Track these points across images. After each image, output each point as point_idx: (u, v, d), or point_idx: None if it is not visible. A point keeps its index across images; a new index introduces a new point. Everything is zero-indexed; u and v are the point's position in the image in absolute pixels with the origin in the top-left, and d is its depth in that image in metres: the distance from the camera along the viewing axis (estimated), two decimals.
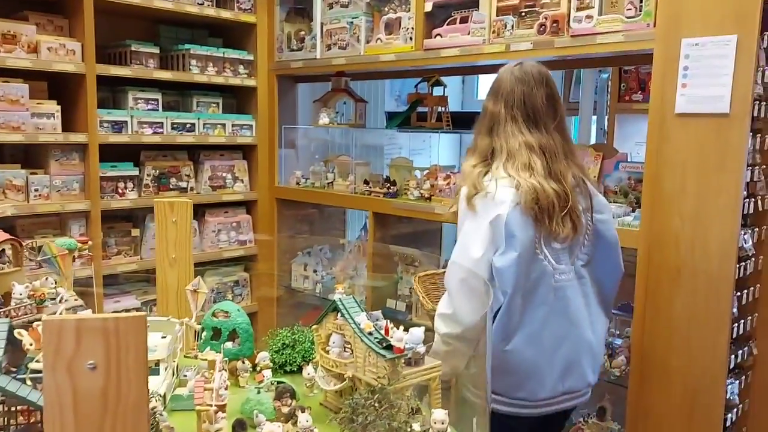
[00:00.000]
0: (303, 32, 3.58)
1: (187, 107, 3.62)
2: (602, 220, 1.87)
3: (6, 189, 2.87)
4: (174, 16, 3.47)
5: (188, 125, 3.48)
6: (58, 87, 3.10)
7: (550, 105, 1.85)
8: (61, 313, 1.57)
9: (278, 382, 1.62)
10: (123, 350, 0.68)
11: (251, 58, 3.71)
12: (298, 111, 4.17)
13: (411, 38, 2.97)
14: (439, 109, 3.22)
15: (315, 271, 3.82)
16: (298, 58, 3.56)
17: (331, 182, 3.65)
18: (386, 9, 3.14)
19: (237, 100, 3.88)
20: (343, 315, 1.55)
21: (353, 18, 3.22)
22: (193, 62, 3.46)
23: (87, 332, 0.67)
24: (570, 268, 1.82)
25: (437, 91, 3.30)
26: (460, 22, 2.78)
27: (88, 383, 0.68)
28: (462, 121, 3.31)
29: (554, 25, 2.47)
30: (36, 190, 2.96)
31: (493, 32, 2.65)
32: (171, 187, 3.48)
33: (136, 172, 3.32)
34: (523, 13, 2.57)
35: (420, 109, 3.32)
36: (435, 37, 2.88)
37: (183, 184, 3.53)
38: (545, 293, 1.77)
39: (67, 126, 3.06)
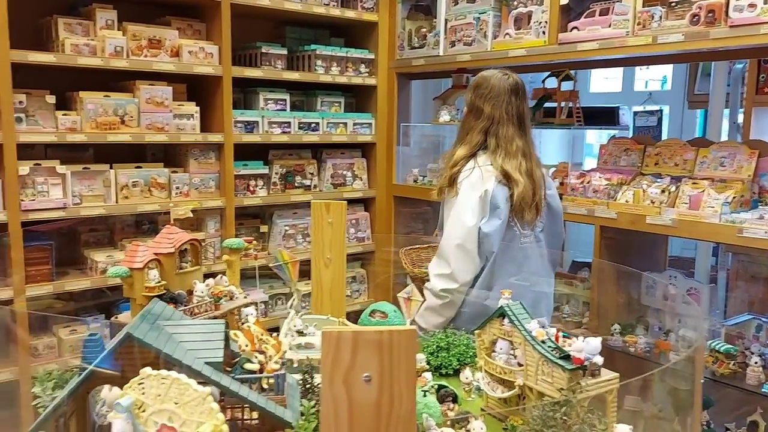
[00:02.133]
0: (425, 29, 3.57)
1: (312, 107, 3.69)
2: (551, 194, 2.37)
3: (151, 187, 3.03)
4: (300, 17, 3.55)
5: (313, 124, 3.55)
6: (195, 89, 3.24)
7: (528, 115, 2.31)
8: (241, 311, 1.63)
9: (440, 386, 1.61)
10: (396, 363, 0.68)
11: (372, 56, 3.73)
12: (411, 108, 4.17)
13: (544, 32, 2.88)
14: (569, 104, 3.11)
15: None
16: (420, 56, 3.55)
17: None
18: (515, 3, 3.06)
19: (357, 99, 3.92)
20: (511, 321, 1.52)
21: (480, 13, 3.17)
22: (319, 62, 3.52)
23: (363, 344, 0.68)
24: (531, 233, 2.28)
25: (566, 86, 3.20)
26: (599, 15, 2.67)
27: (363, 395, 0.68)
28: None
29: (710, 14, 2.32)
30: (177, 188, 3.11)
31: (638, 24, 2.52)
32: (296, 185, 3.57)
33: (265, 171, 3.42)
34: (673, 3, 2.43)
35: (546, 104, 3.23)
36: (571, 30, 2.78)
37: (307, 182, 3.61)
38: (514, 253, 2.22)
39: (204, 126, 3.19)
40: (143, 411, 0.86)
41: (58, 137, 2.73)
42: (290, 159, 3.58)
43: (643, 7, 2.51)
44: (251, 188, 3.39)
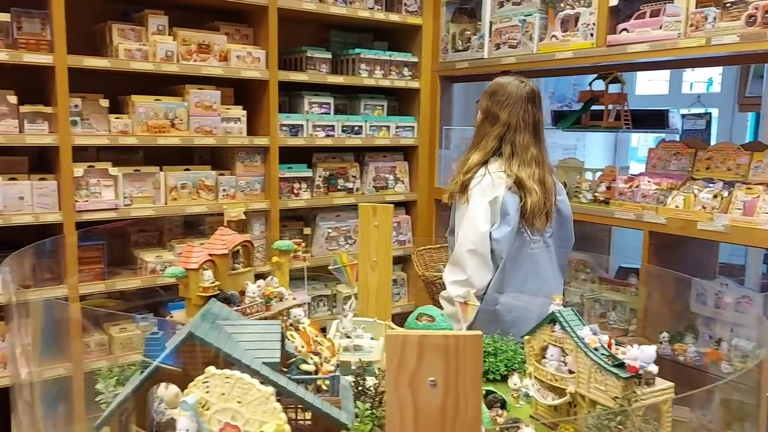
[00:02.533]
0: (469, 32, 3.56)
1: (355, 110, 3.72)
2: (561, 200, 2.39)
3: (199, 189, 3.09)
4: (344, 21, 3.58)
5: (356, 128, 3.58)
6: (242, 92, 3.29)
7: (543, 123, 2.32)
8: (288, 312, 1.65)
9: (488, 391, 1.60)
10: (462, 367, 0.68)
11: (415, 60, 3.74)
12: (453, 111, 4.15)
13: (592, 34, 2.84)
14: (617, 107, 3.06)
15: None
16: (464, 59, 3.54)
17: None
18: (562, 5, 3.03)
19: (399, 102, 3.93)
20: (563, 328, 1.50)
21: (526, 15, 3.14)
22: (362, 66, 3.54)
23: (429, 348, 0.68)
24: (540, 238, 2.29)
25: (613, 88, 3.15)
26: (650, 16, 2.62)
27: (428, 399, 0.68)
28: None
29: (767, 15, 2.25)
30: (224, 190, 3.17)
31: (691, 25, 2.47)
32: (339, 187, 3.59)
33: (309, 174, 3.46)
34: (728, 4, 2.37)
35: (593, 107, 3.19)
36: (620, 32, 2.74)
37: (350, 185, 3.63)
38: (523, 259, 2.25)
39: (251, 130, 3.24)
40: (207, 409, 0.88)
41: (110, 140, 2.80)
42: (333, 162, 3.61)
43: (696, 8, 2.45)
44: (295, 191, 3.43)
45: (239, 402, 0.87)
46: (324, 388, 1.12)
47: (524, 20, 3.15)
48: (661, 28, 2.57)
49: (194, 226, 3.23)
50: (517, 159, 2.23)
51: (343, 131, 3.52)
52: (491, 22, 3.35)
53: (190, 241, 3.11)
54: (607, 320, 2.97)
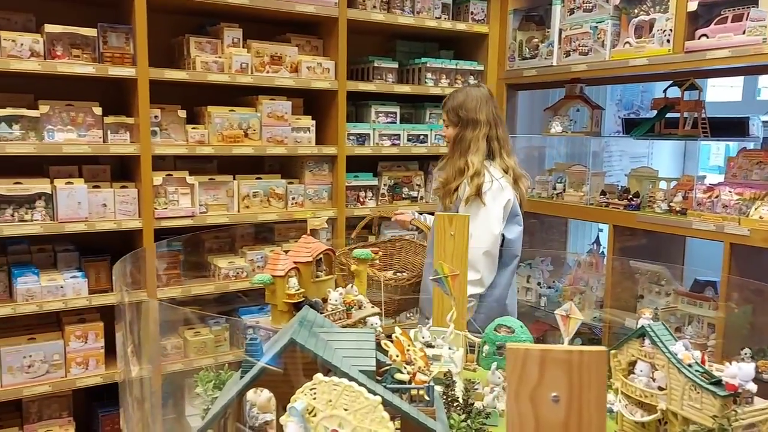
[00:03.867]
0: (536, 40, 3.52)
1: (420, 119, 3.73)
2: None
3: (270, 197, 3.15)
4: (411, 31, 3.60)
5: (421, 136, 3.59)
6: (311, 103, 3.35)
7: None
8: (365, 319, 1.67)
9: None
10: (585, 383, 0.67)
11: (481, 68, 3.73)
12: (517, 120, 4.11)
13: (668, 40, 2.77)
14: (694, 114, 2.96)
15: (539, 284, 3.73)
16: (532, 66, 3.50)
17: (560, 193, 3.54)
18: (636, 11, 2.97)
19: None
20: (654, 343, 1.46)
21: (598, 22, 3.09)
22: (428, 75, 3.55)
23: (551, 363, 0.68)
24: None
25: (688, 95, 3.05)
26: (732, 21, 2.54)
27: (550, 414, 0.68)
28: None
29: None
30: (293, 199, 3.22)
31: None
32: (403, 196, 3.61)
33: (374, 182, 3.49)
34: None
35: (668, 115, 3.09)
36: (699, 38, 2.66)
37: (414, 194, 3.64)
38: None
39: (319, 139, 3.30)
40: (314, 416, 0.90)
41: (188, 149, 2.90)
42: (398, 171, 3.63)
43: None
44: (361, 199, 3.46)
45: (346, 409, 0.88)
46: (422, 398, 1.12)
47: (596, 27, 3.10)
48: (744, 33, 2.48)
49: (264, 233, 3.30)
50: (504, 151, 2.49)
51: (408, 140, 3.54)
52: (561, 29, 3.31)
53: (259, 247, 3.19)
54: (684, 334, 2.87)
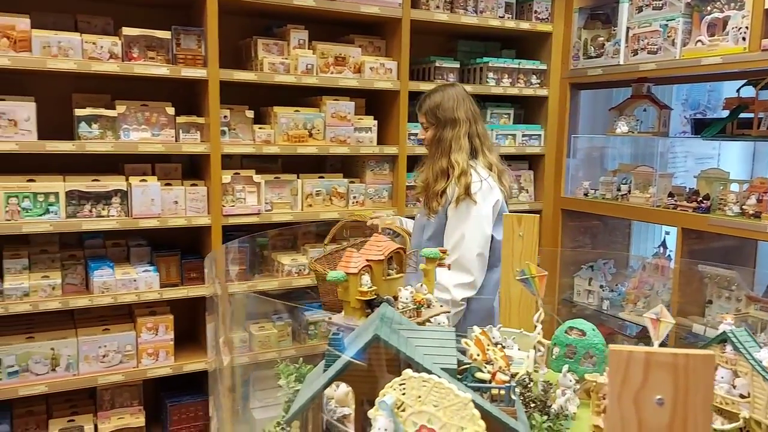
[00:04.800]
0: (602, 38, 3.46)
1: None
2: None
3: (332, 196, 3.20)
4: (473, 30, 3.59)
5: None
6: (373, 103, 3.38)
7: None
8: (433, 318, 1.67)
9: None
10: (692, 387, 0.66)
11: (544, 67, 3.68)
12: (579, 119, 4.05)
13: (744, 38, 2.68)
14: None
15: (602, 287, 3.66)
16: (597, 65, 3.44)
17: (626, 194, 3.47)
18: (709, 9, 2.88)
19: (525, 110, 3.88)
20: (737, 349, 1.42)
21: (668, 20, 3.01)
22: (490, 75, 3.53)
23: (656, 366, 0.67)
24: None
25: (763, 95, 2.94)
26: None
27: (653, 418, 0.67)
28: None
29: None
30: (354, 197, 3.26)
31: None
32: None
33: None
34: None
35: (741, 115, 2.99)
36: None
37: None
38: None
39: (380, 139, 3.32)
40: (403, 411, 0.91)
41: (255, 149, 2.97)
42: None
43: None
44: (420, 199, 3.46)
45: (435, 406, 0.89)
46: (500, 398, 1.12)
47: (666, 25, 3.02)
48: None
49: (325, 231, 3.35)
50: (485, 147, 2.51)
51: None
52: (628, 28, 3.24)
53: (320, 245, 3.24)
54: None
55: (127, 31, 2.69)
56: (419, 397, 0.90)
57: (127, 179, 2.75)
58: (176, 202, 2.83)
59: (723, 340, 1.47)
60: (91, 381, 2.75)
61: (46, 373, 2.67)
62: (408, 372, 0.92)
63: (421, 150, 3.41)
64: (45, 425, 2.78)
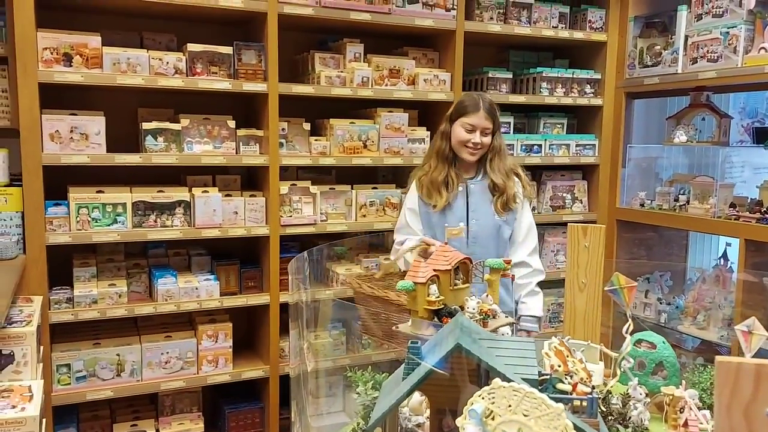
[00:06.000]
0: (659, 47, 3.41)
1: (533, 128, 3.70)
2: None
3: (385, 206, 3.23)
4: (525, 41, 3.59)
5: (535, 146, 3.55)
6: (426, 114, 3.40)
7: None
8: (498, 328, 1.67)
9: None
10: None
11: (598, 77, 3.65)
12: (633, 128, 3.99)
13: None
14: None
15: (659, 300, 3.58)
16: (654, 74, 3.39)
17: (684, 204, 3.40)
18: None
19: (578, 120, 3.85)
20: None
21: (729, 27, 2.95)
22: (543, 84, 3.52)
23: (767, 378, 0.66)
24: None
25: None
26: None
27: (765, 429, 0.67)
28: None
29: None
30: None
31: None
32: None
33: None
34: None
35: None
36: None
37: None
38: None
39: None
40: (492, 419, 0.92)
41: (312, 160, 3.02)
42: None
43: None
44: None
45: (526, 415, 0.90)
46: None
47: (727, 32, 2.96)
48: None
49: (379, 242, 3.38)
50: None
51: (522, 150, 3.51)
52: (687, 36, 3.19)
53: (374, 255, 3.27)
54: None
55: (191, 47, 2.78)
56: (509, 406, 0.91)
57: (190, 190, 2.83)
58: (236, 213, 2.90)
59: None
60: (153, 387, 2.83)
61: (112, 378, 2.75)
62: (497, 381, 0.93)
63: None
64: (110, 429, 2.87)
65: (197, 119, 2.85)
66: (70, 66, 2.57)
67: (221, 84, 2.79)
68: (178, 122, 2.81)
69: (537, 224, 3.62)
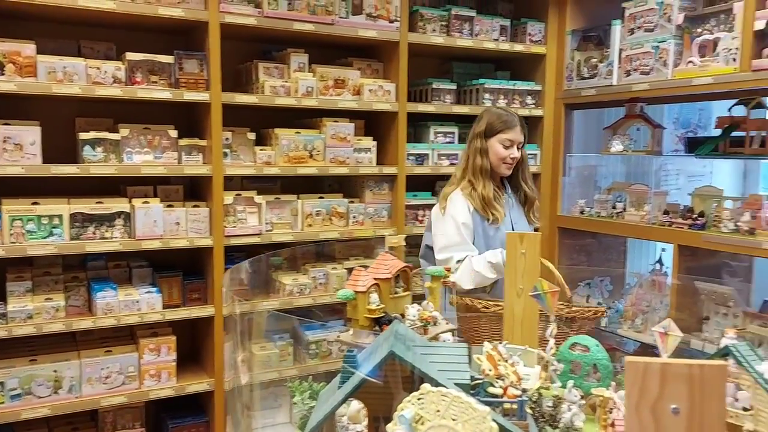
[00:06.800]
0: (595, 59, 3.53)
1: None
2: None
3: (332, 216, 3.23)
4: (468, 53, 3.66)
5: None
6: (372, 124, 3.43)
7: None
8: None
9: None
10: (707, 396, 0.70)
11: (539, 88, 3.75)
12: (573, 138, 4.11)
13: (734, 59, 2.75)
14: (762, 133, 2.92)
15: (599, 304, 3.69)
16: (591, 86, 3.51)
17: (621, 212, 3.52)
18: (699, 30, 2.96)
19: None
20: (739, 363, 1.45)
21: (660, 41, 3.09)
22: (486, 95, 3.60)
23: (672, 376, 0.70)
24: None
25: (755, 114, 3.01)
26: None
27: (671, 427, 0.70)
28: None
29: None
30: (353, 217, 3.29)
31: None
32: None
33: (433, 201, 3.53)
34: None
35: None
36: (767, 56, 2.64)
37: None
38: None
39: (380, 159, 3.37)
40: (421, 424, 0.94)
41: (256, 170, 3.00)
42: None
43: None
44: (419, 218, 3.51)
45: (454, 419, 0.92)
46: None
47: (658, 46, 3.10)
48: None
49: (326, 252, 3.38)
50: None
51: None
52: (621, 49, 3.32)
53: (320, 265, 3.27)
54: None
55: (130, 56, 2.74)
56: (438, 410, 0.93)
57: (130, 201, 2.77)
58: (178, 224, 2.85)
59: (725, 354, 1.50)
60: (93, 403, 2.75)
61: (49, 395, 2.67)
62: (427, 386, 0.95)
63: (421, 170, 3.46)
64: None
65: (137, 129, 2.80)
66: (2, 74, 2.50)
67: (162, 93, 2.75)
68: (118, 132, 2.76)
69: None
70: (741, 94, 3.01)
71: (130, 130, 2.78)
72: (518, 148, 2.65)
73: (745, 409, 1.46)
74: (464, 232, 2.54)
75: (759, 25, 2.66)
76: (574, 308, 2.13)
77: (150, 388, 2.85)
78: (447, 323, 1.81)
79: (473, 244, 2.54)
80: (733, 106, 3.07)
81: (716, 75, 2.83)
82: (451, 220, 2.54)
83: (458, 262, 2.45)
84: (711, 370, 0.70)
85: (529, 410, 1.29)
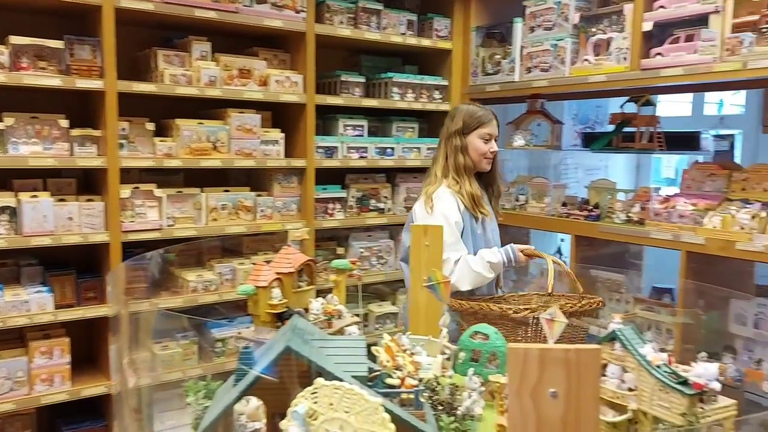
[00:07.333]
0: (499, 56, 3.63)
1: (387, 132, 3.79)
2: None
3: (238, 209, 3.15)
4: (376, 46, 3.67)
5: (388, 149, 3.64)
6: (280, 116, 3.37)
7: None
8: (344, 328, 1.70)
9: None
10: (583, 379, 0.72)
11: (446, 83, 3.81)
12: None
13: (625, 58, 2.90)
14: (650, 129, 3.11)
15: (503, 293, 3.81)
16: (494, 82, 3.61)
17: (523, 204, 3.65)
18: (594, 30, 3.10)
19: (429, 124, 4.00)
20: (624, 346, 1.53)
21: (558, 40, 3.21)
22: (395, 89, 3.62)
23: (550, 361, 0.73)
24: None
25: (645, 111, 3.20)
26: (684, 41, 2.68)
27: (549, 410, 0.73)
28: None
29: None
30: (262, 211, 3.23)
31: (727, 50, 2.52)
32: (371, 208, 3.65)
33: (343, 194, 3.52)
34: (764, 30, 2.43)
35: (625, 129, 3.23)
36: (654, 56, 2.80)
37: (381, 206, 3.69)
38: None
39: (288, 152, 3.32)
40: (315, 419, 0.93)
41: (155, 162, 2.88)
42: (365, 183, 3.67)
43: (732, 33, 2.51)
44: (329, 211, 3.49)
45: (347, 412, 0.91)
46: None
47: (556, 45, 3.22)
48: (695, 52, 2.63)
49: (233, 246, 3.30)
50: None
51: (375, 153, 3.59)
52: (522, 47, 3.43)
53: (227, 260, 3.18)
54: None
55: (15, 39, 2.55)
56: (331, 404, 0.92)
57: (16, 195, 2.59)
58: (70, 219, 2.69)
59: (612, 338, 1.58)
60: None
61: None
62: (320, 380, 0.94)
63: (330, 163, 3.43)
64: None
65: (24, 118, 2.61)
66: None
67: (51, 80, 2.58)
68: (2, 121, 2.56)
69: (392, 225, 3.73)
70: (632, 92, 3.19)
71: (16, 119, 2.59)
72: (495, 142, 2.62)
73: (630, 390, 1.54)
74: (457, 231, 2.46)
75: (647, 27, 2.82)
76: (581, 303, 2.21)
77: (41, 394, 2.67)
78: (352, 316, 1.81)
79: None
80: (624, 103, 3.25)
81: (609, 73, 2.97)
82: (443, 219, 2.42)
83: (455, 263, 2.39)
84: (586, 354, 0.72)
85: (427, 399, 1.30)
